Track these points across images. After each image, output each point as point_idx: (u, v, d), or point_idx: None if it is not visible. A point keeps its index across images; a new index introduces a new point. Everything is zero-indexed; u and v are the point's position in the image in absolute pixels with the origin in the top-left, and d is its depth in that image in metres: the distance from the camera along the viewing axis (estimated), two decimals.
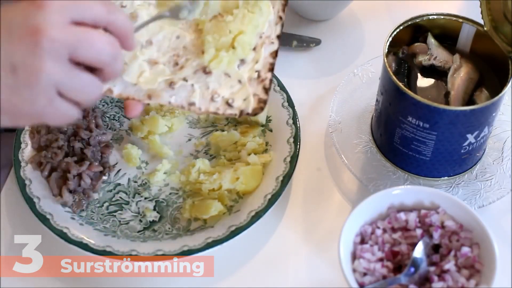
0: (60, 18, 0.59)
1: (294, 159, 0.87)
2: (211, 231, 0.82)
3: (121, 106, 0.96)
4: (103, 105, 0.96)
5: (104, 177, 0.89)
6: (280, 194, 0.84)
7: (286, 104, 0.92)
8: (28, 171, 0.87)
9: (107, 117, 0.95)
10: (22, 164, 0.87)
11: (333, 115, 0.93)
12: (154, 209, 0.86)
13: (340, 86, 0.96)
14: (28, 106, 0.60)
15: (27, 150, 0.89)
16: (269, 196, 0.84)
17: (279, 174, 0.86)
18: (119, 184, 0.89)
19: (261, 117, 0.92)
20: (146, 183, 0.88)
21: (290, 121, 0.91)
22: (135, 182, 0.89)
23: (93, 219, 0.85)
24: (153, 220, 0.85)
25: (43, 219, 0.82)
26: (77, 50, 0.60)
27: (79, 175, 0.86)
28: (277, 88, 0.94)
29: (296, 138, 0.89)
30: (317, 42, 1.05)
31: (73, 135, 0.90)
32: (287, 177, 0.85)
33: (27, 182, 0.85)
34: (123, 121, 0.95)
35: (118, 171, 0.90)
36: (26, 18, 0.59)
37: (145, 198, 0.87)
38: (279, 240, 0.84)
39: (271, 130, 0.92)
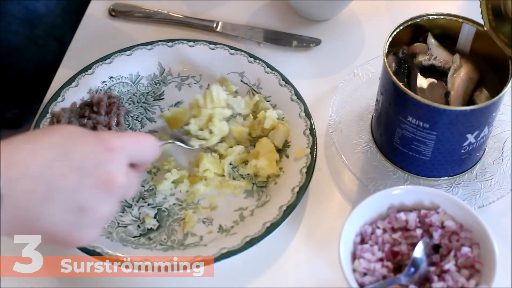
0: (124, 161, 0.65)
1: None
2: (202, 250, 0.81)
3: (146, 107, 0.95)
4: (129, 104, 0.95)
5: None
6: (280, 223, 0.82)
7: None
8: None
9: (131, 116, 0.94)
10: None
11: (333, 115, 0.93)
12: (155, 217, 0.85)
13: (340, 86, 0.96)
14: (82, 240, 0.65)
15: None
16: (268, 224, 0.82)
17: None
18: None
19: (279, 140, 0.91)
20: (152, 189, 0.87)
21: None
22: (143, 186, 0.87)
23: None
24: (151, 228, 0.84)
25: None
26: (127, 191, 0.67)
27: None
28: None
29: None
30: (317, 42, 1.05)
31: (91, 129, 0.89)
32: (290, 208, 0.83)
33: None
34: (145, 123, 0.94)
35: None
36: (99, 164, 0.63)
37: (148, 205, 0.86)
38: (279, 240, 0.84)
39: (287, 156, 0.90)
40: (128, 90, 0.96)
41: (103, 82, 0.96)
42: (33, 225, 0.62)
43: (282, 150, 0.91)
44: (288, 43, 1.04)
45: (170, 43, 0.99)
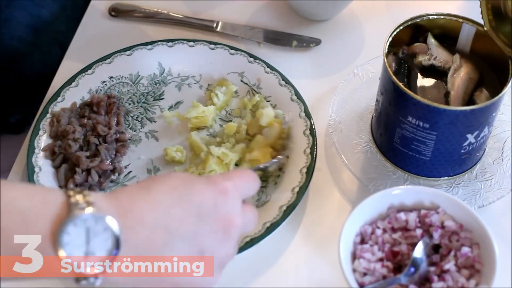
0: (238, 200, 0.66)
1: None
2: None
3: (146, 107, 0.96)
4: (129, 104, 0.95)
5: (113, 177, 0.88)
6: (280, 224, 0.82)
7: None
8: (40, 159, 0.87)
9: (131, 116, 0.94)
10: (36, 150, 0.87)
11: (333, 115, 0.93)
12: None
13: (340, 86, 0.96)
14: (204, 282, 0.65)
15: (43, 138, 0.89)
16: (267, 224, 0.82)
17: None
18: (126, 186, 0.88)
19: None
20: None
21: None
22: None
23: None
24: None
25: None
26: (245, 227, 0.67)
27: (88, 171, 0.86)
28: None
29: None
30: (317, 42, 1.05)
31: (91, 129, 0.90)
32: (290, 208, 0.84)
33: (36, 169, 0.85)
34: (145, 123, 0.94)
35: (129, 172, 0.89)
36: (215, 207, 0.64)
37: None
38: (279, 240, 0.84)
39: (287, 157, 0.90)
40: (128, 90, 0.96)
41: (103, 82, 0.96)
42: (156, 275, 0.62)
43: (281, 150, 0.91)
44: (288, 43, 1.04)
45: (170, 43, 0.99)
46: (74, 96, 0.93)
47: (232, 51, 0.99)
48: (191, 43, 0.99)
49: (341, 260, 0.73)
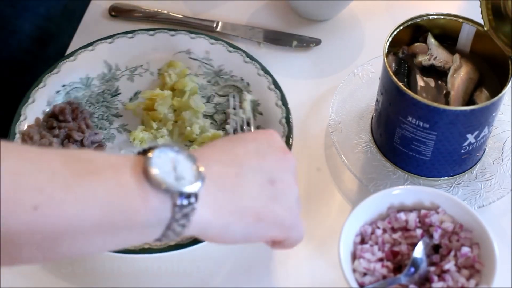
0: (285, 145, 0.72)
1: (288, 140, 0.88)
2: None
3: (107, 105, 0.96)
4: (89, 106, 0.95)
5: None
6: None
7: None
8: None
9: (95, 117, 0.95)
10: None
11: (333, 115, 0.93)
12: None
13: (340, 86, 0.96)
14: (287, 213, 0.67)
15: None
16: None
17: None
18: None
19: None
20: None
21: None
22: None
23: None
24: None
25: None
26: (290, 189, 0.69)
27: None
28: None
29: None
30: (317, 42, 1.05)
31: (66, 137, 0.90)
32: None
33: None
34: (112, 119, 0.95)
35: None
36: (269, 142, 0.69)
37: None
38: None
39: (261, 114, 0.92)
40: (83, 94, 0.96)
41: (57, 91, 0.95)
42: (239, 205, 0.64)
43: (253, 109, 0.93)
44: (288, 43, 1.04)
45: (109, 40, 0.99)
46: (35, 111, 0.92)
47: (172, 32, 1.00)
48: (130, 35, 1.00)
49: (341, 260, 0.73)
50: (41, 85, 0.95)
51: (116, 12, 1.08)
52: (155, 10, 1.08)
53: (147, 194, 0.57)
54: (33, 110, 0.93)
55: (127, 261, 0.81)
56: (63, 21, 1.12)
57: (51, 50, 1.10)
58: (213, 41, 0.99)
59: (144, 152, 0.60)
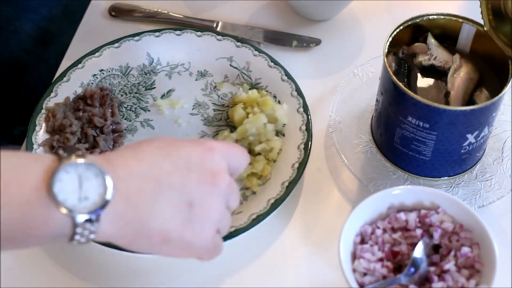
0: (224, 160, 0.67)
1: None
2: None
3: (139, 97, 0.96)
4: (122, 95, 0.96)
5: None
6: (284, 199, 0.84)
7: (301, 109, 0.92)
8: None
9: (124, 107, 0.95)
10: (35, 146, 0.88)
11: (333, 115, 0.93)
12: None
13: (340, 86, 0.96)
14: (196, 238, 0.65)
15: (40, 133, 0.89)
16: (272, 201, 0.83)
17: (285, 179, 0.86)
18: None
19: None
20: None
21: (303, 127, 0.91)
22: None
23: None
24: None
25: None
26: (231, 197, 0.68)
27: None
28: (295, 93, 0.94)
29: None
30: (317, 42, 1.05)
31: (87, 122, 0.90)
32: (292, 183, 0.85)
33: None
34: (140, 112, 0.95)
35: None
36: (202, 161, 0.65)
37: None
38: (279, 240, 0.84)
39: (283, 135, 0.92)
40: (119, 82, 0.97)
41: (94, 75, 0.96)
42: (147, 225, 0.62)
43: (278, 130, 0.93)
44: (288, 43, 1.04)
45: (157, 33, 1.00)
46: (67, 91, 0.94)
47: (219, 37, 1.00)
48: (178, 32, 1.00)
49: (341, 260, 0.73)
50: (79, 66, 0.96)
51: (116, 12, 1.08)
52: (155, 10, 1.08)
53: (49, 211, 0.58)
54: (66, 89, 0.94)
55: (128, 261, 0.81)
56: (64, 22, 1.12)
57: (51, 50, 1.11)
58: (256, 52, 0.98)
59: (58, 158, 0.60)
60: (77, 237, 0.60)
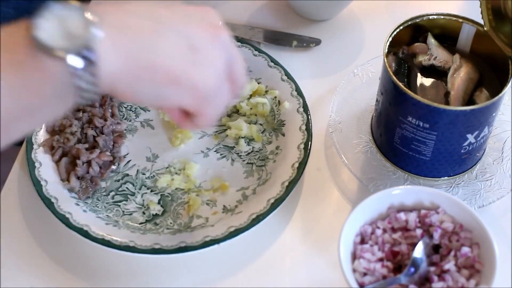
0: (225, 29, 0.65)
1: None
2: (210, 230, 0.82)
3: None
4: None
5: (113, 167, 0.89)
6: (284, 199, 0.84)
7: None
8: (39, 154, 0.87)
9: (124, 107, 0.95)
10: (35, 146, 0.88)
11: (333, 115, 0.93)
12: (159, 203, 0.86)
13: (340, 86, 0.96)
14: (201, 82, 0.61)
15: (40, 133, 0.90)
16: (272, 200, 0.84)
17: (285, 179, 0.86)
18: (127, 175, 0.89)
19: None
20: (154, 176, 0.89)
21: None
22: (143, 174, 0.89)
23: (98, 207, 0.85)
24: (156, 214, 0.85)
25: (48, 202, 0.82)
26: (234, 61, 0.65)
27: (89, 162, 0.87)
28: (294, 93, 0.94)
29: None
30: (317, 42, 1.05)
31: (87, 122, 0.91)
32: (292, 183, 0.85)
33: (37, 164, 0.86)
34: (139, 112, 0.95)
35: (128, 161, 0.90)
36: (205, 15, 0.63)
37: (151, 191, 0.87)
38: (279, 240, 0.84)
39: (283, 135, 0.92)
40: None
41: None
42: (151, 58, 0.58)
43: (277, 128, 0.92)
44: (288, 43, 1.04)
45: None
46: None
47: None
48: None
49: (341, 260, 0.73)
50: None
51: None
52: None
53: (41, 60, 0.54)
54: None
55: (128, 261, 0.81)
56: None
57: None
58: (256, 52, 0.98)
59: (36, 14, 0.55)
60: (80, 83, 0.56)
